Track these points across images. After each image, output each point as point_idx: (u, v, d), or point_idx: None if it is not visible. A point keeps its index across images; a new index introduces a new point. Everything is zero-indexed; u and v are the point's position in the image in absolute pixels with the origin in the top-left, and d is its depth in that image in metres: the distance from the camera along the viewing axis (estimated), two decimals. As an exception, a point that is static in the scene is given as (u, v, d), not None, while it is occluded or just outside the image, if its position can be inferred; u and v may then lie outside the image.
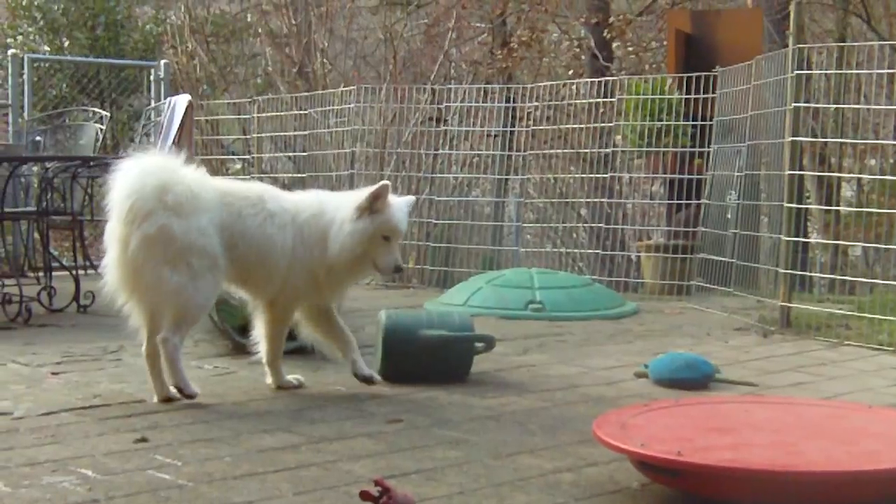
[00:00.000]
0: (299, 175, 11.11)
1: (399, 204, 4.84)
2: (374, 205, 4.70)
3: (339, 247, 4.69)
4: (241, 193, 4.79)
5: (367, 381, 4.95)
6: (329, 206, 4.81)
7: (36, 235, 8.91)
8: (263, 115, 11.26)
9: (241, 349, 5.87)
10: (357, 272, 4.94)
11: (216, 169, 12.30)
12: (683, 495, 3.36)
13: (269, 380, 5.00)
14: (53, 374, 5.32)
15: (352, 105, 10.53)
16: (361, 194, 4.76)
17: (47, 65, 12.79)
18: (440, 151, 10.62)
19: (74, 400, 4.70)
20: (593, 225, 10.22)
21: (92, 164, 7.99)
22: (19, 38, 14.49)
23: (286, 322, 5.01)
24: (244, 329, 6.13)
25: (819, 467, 3.17)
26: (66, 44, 13.93)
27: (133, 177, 4.48)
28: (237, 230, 4.67)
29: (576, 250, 10.85)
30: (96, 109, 9.73)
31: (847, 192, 15.85)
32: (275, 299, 4.89)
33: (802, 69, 7.32)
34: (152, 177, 4.49)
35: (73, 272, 7.67)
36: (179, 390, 4.61)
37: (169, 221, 4.45)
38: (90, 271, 8.60)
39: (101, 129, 8.92)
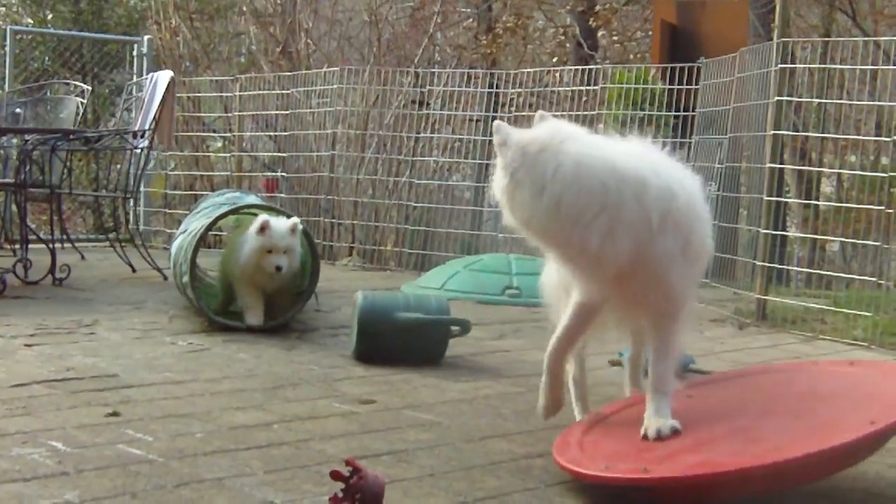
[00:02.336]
0: (280, 154, 11.10)
1: None
2: None
3: None
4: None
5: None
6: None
7: (13, 208, 8.85)
8: (245, 93, 11.21)
9: (216, 326, 5.88)
10: None
11: (196, 146, 12.26)
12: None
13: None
14: (27, 345, 5.30)
15: (334, 86, 10.49)
16: None
17: (30, 37, 12.72)
18: (421, 135, 10.59)
19: (47, 372, 4.68)
20: (573, 212, 10.18)
21: (71, 137, 7.94)
22: (2, 9, 14.41)
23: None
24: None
25: (782, 455, 3.12)
26: (50, 17, 13.85)
27: None
28: None
29: (555, 237, 10.81)
30: (78, 83, 9.68)
31: (826, 187, 15.92)
32: None
33: (786, 63, 7.33)
34: None
35: (50, 245, 7.63)
36: None
37: None
38: (66, 245, 8.59)
39: (82, 103, 8.87)
